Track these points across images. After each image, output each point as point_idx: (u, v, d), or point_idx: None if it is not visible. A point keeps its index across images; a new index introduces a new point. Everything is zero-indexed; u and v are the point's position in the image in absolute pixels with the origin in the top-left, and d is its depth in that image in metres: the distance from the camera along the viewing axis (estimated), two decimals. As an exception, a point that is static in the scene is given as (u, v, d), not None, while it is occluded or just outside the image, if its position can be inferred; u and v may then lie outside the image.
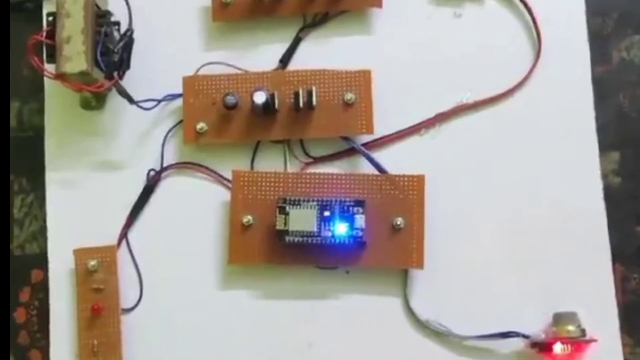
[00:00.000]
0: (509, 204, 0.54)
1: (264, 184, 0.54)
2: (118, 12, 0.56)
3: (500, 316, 0.52)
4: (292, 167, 0.56)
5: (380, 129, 0.55)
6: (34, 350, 0.56)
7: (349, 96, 0.54)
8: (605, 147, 0.55)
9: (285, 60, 0.57)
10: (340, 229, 0.52)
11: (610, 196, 0.54)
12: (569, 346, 0.50)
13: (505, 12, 0.57)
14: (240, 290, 0.55)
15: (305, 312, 0.55)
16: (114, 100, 0.57)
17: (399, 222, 0.53)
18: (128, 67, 0.55)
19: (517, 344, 0.52)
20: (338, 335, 0.54)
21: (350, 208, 0.52)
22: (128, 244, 0.56)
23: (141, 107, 0.55)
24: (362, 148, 0.55)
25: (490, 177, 0.55)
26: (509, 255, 0.54)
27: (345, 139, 0.55)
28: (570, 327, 0.51)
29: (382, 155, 0.55)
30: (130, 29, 0.55)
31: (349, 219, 0.52)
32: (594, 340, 0.50)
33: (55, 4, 0.54)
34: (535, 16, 0.56)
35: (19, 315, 0.56)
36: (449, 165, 0.55)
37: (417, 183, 0.53)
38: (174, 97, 0.56)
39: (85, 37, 0.53)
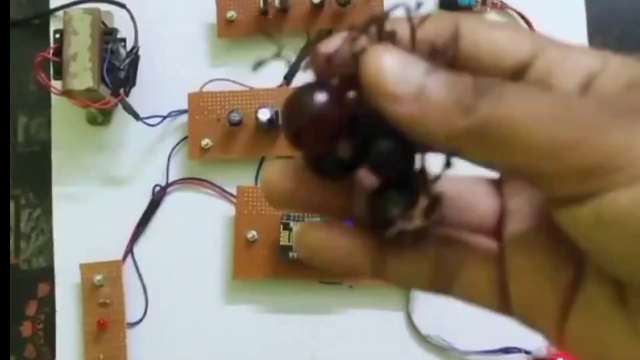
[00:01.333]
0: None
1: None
2: (124, 29, 0.57)
3: (502, 331, 0.52)
4: (296, 183, 0.56)
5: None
6: (40, 364, 0.57)
7: (353, 113, 0.55)
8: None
9: (289, 77, 0.57)
10: (344, 245, 0.52)
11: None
12: (570, 362, 0.51)
13: (507, 30, 0.57)
14: (244, 305, 0.56)
15: (309, 326, 0.55)
16: (120, 116, 0.57)
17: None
18: (134, 83, 0.56)
19: (519, 359, 0.53)
20: (341, 350, 0.55)
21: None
22: (134, 258, 0.56)
23: (147, 123, 0.56)
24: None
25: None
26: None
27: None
28: (572, 344, 0.51)
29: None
30: (136, 46, 0.56)
31: (352, 235, 0.52)
32: (595, 357, 0.51)
33: (62, 21, 0.54)
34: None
35: (25, 329, 0.57)
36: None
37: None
38: (179, 113, 0.57)
39: (92, 54, 0.54)
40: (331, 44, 0.20)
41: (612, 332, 0.18)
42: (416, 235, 0.20)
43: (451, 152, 0.18)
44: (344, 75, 0.19)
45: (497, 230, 0.22)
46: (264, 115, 0.54)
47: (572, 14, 0.57)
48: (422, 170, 0.20)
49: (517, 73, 0.20)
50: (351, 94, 0.19)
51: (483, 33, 0.20)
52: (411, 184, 0.20)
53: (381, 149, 0.19)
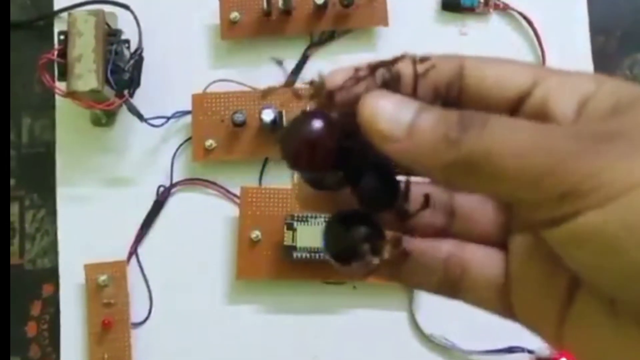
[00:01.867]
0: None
1: (272, 200, 0.55)
2: (128, 31, 0.57)
3: (506, 331, 0.52)
4: (300, 184, 0.56)
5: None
6: (44, 364, 0.57)
7: (356, 114, 0.55)
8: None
9: (292, 78, 0.58)
10: (347, 245, 0.52)
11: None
12: (573, 362, 0.51)
13: (510, 31, 0.57)
14: (248, 305, 0.56)
15: (312, 326, 0.55)
16: (124, 117, 0.57)
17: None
18: (138, 85, 0.56)
19: (522, 359, 0.53)
20: (344, 350, 0.55)
21: (357, 224, 0.53)
22: (138, 259, 0.56)
23: (151, 124, 0.56)
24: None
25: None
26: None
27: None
28: (575, 343, 0.51)
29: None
30: (140, 48, 0.56)
31: (356, 235, 0.52)
32: (598, 356, 0.51)
33: (67, 22, 0.55)
34: (539, 35, 0.56)
35: (30, 329, 0.57)
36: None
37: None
38: (183, 114, 0.57)
39: (96, 55, 0.54)
40: (336, 79, 0.21)
41: (603, 340, 0.19)
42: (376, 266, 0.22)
43: (445, 182, 0.20)
44: (344, 110, 0.21)
45: (503, 241, 0.24)
46: (268, 116, 0.54)
47: (574, 15, 0.57)
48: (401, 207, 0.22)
49: (519, 101, 0.21)
50: (346, 126, 0.21)
51: (487, 68, 0.21)
52: (377, 222, 0.22)
53: (369, 184, 0.22)
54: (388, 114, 0.20)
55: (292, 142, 0.21)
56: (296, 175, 0.23)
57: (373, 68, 0.21)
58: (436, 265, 0.24)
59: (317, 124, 0.20)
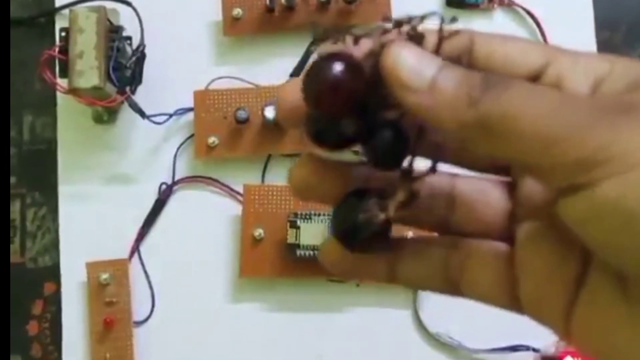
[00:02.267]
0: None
1: (275, 197, 0.55)
2: (130, 27, 0.56)
3: (510, 329, 0.52)
4: (303, 181, 0.56)
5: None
6: (46, 363, 0.57)
7: (359, 110, 0.55)
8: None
9: (296, 74, 0.57)
10: (351, 242, 0.52)
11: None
12: (579, 360, 0.51)
13: (514, 26, 0.57)
14: (251, 303, 0.55)
15: (316, 324, 0.55)
16: (126, 114, 0.57)
17: (409, 236, 0.53)
18: (140, 81, 0.56)
19: (527, 357, 0.53)
20: (348, 348, 0.55)
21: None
22: (140, 257, 0.56)
23: (153, 122, 0.56)
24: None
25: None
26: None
27: (355, 152, 0.55)
28: (580, 341, 0.51)
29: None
30: (142, 44, 0.56)
31: (360, 233, 0.52)
32: (604, 354, 0.51)
33: (68, 19, 0.54)
34: (544, 30, 0.56)
35: (31, 328, 0.57)
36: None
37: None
38: (185, 111, 0.57)
39: (98, 52, 0.53)
40: (361, 31, 0.21)
41: (614, 321, 0.19)
42: (385, 229, 0.22)
43: (460, 142, 0.20)
44: (368, 60, 0.21)
45: (507, 230, 0.23)
46: (271, 112, 0.54)
47: (579, 10, 0.57)
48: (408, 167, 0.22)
49: (531, 80, 0.21)
50: (368, 74, 0.21)
51: (496, 45, 0.21)
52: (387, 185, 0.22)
53: (384, 138, 0.21)
54: (411, 64, 0.20)
55: (314, 82, 0.20)
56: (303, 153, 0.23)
57: (399, 23, 0.21)
58: (435, 259, 0.23)
59: (341, 65, 0.20)
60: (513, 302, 0.22)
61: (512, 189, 0.24)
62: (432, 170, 0.22)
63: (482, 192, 0.24)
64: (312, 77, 0.20)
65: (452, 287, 0.23)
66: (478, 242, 0.23)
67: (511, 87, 0.19)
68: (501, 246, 0.23)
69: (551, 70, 0.21)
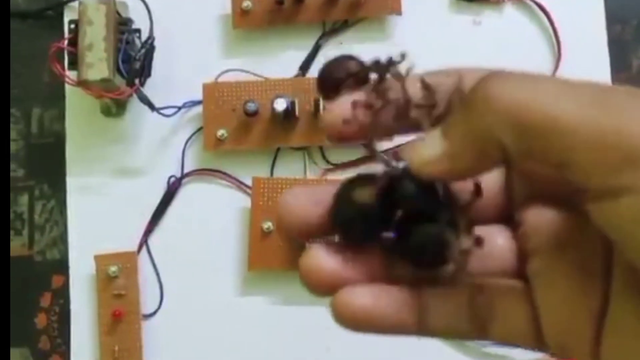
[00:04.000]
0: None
1: (284, 190, 0.54)
2: (139, 20, 0.56)
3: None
4: (312, 174, 0.56)
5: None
6: (54, 356, 0.56)
7: (369, 103, 0.55)
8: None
9: (305, 67, 0.57)
10: (361, 235, 0.52)
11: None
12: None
13: (524, 19, 0.57)
14: (259, 296, 0.55)
15: (324, 317, 0.54)
16: (135, 106, 0.57)
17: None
18: (149, 74, 0.56)
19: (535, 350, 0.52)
20: (356, 341, 0.54)
21: (371, 215, 0.52)
22: (148, 249, 0.56)
23: (162, 114, 0.55)
24: (382, 155, 0.55)
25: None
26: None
27: (365, 145, 0.55)
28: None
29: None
30: (151, 37, 0.56)
31: (369, 225, 0.52)
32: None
33: (77, 11, 0.54)
34: (554, 23, 0.56)
35: (39, 321, 0.57)
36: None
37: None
38: (194, 104, 0.57)
39: (107, 44, 0.53)
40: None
41: None
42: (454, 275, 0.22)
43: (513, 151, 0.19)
44: (389, 173, 0.22)
45: (519, 270, 0.22)
46: (280, 105, 0.53)
47: (590, 4, 0.57)
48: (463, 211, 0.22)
49: None
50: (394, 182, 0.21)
51: None
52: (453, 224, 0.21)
53: (420, 237, 0.21)
54: (428, 154, 0.20)
55: (342, 212, 0.21)
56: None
57: (364, 78, 0.22)
58: (461, 305, 0.22)
59: (365, 191, 0.21)
60: (540, 341, 0.21)
61: (515, 229, 0.23)
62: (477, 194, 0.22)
63: (492, 234, 0.23)
64: (338, 211, 0.21)
65: (480, 330, 0.22)
66: (497, 284, 0.22)
67: (542, 81, 0.18)
68: (519, 286, 0.22)
69: None
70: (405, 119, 0.22)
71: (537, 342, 0.21)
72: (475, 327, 0.22)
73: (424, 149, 0.20)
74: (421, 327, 0.23)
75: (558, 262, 0.21)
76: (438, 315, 0.22)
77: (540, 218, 0.22)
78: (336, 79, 0.22)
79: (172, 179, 0.57)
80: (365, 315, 0.22)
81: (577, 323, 0.20)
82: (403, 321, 0.23)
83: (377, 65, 0.22)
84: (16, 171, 0.58)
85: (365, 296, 0.22)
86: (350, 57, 0.23)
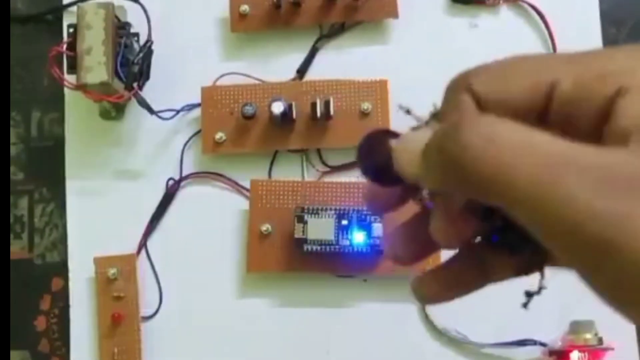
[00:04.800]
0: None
1: (282, 193, 0.55)
2: (137, 24, 0.57)
3: (517, 324, 0.53)
4: (310, 176, 0.56)
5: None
6: (54, 358, 0.56)
7: (366, 106, 0.55)
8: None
9: (302, 70, 0.58)
10: (358, 237, 0.52)
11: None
12: (586, 354, 0.50)
13: (520, 22, 0.57)
14: (258, 298, 0.56)
15: (323, 319, 0.55)
16: (133, 110, 0.57)
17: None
18: (147, 77, 0.56)
19: (534, 351, 0.53)
20: (356, 343, 0.55)
21: (368, 217, 0.52)
22: (147, 252, 0.56)
23: (160, 117, 0.56)
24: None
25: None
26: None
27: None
28: (588, 335, 0.51)
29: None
30: (149, 40, 0.56)
31: (367, 227, 0.52)
32: (611, 349, 0.51)
33: (76, 15, 0.54)
34: (550, 26, 0.56)
35: (39, 324, 0.57)
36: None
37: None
38: (192, 107, 0.57)
39: (106, 48, 0.54)
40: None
41: None
42: None
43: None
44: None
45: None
46: (278, 108, 0.54)
47: (585, 6, 0.57)
48: None
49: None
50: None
51: (498, 90, 0.21)
52: None
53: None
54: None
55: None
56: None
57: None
58: None
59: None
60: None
61: None
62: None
63: None
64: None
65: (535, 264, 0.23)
66: None
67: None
68: None
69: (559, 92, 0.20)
70: None
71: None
72: (532, 266, 0.23)
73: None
74: (486, 279, 0.24)
75: None
76: (499, 268, 0.24)
77: None
78: (380, 169, 0.23)
79: (171, 182, 0.57)
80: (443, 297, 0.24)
81: None
82: (473, 286, 0.24)
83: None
84: (16, 174, 0.58)
85: (439, 282, 0.24)
86: (385, 133, 0.23)
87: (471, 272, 0.24)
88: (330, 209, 0.53)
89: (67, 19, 0.59)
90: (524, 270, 0.23)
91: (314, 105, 0.54)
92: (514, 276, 0.24)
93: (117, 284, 0.55)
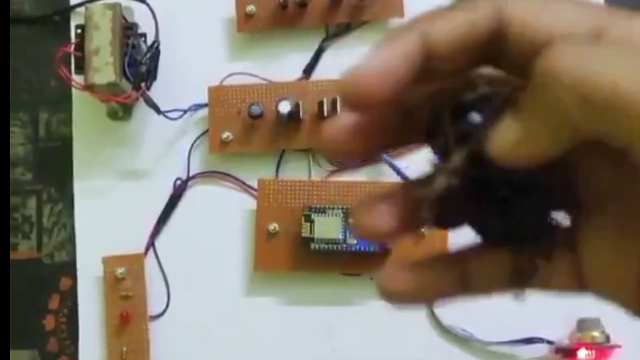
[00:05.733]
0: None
1: (289, 192, 0.55)
2: (145, 24, 0.57)
3: (524, 322, 0.53)
4: (317, 175, 0.56)
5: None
6: (63, 357, 0.57)
7: (372, 105, 0.55)
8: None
9: (308, 70, 0.58)
10: (365, 236, 0.52)
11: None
12: (593, 352, 0.51)
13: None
14: (265, 297, 0.56)
15: (330, 317, 0.55)
16: (141, 110, 0.58)
17: (423, 229, 0.53)
18: (155, 78, 0.56)
19: (541, 349, 0.53)
20: (362, 341, 0.55)
21: (375, 215, 0.52)
22: (155, 251, 0.57)
23: (167, 117, 0.56)
24: (385, 155, 0.55)
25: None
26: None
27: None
28: (595, 333, 0.51)
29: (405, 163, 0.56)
30: (156, 41, 0.56)
31: (374, 226, 0.52)
32: (618, 346, 0.51)
33: (84, 16, 0.55)
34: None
35: (48, 323, 0.57)
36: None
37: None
38: (199, 107, 0.57)
39: (113, 48, 0.54)
40: None
41: None
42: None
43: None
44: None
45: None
46: (284, 107, 0.54)
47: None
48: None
49: None
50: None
51: (534, 23, 0.19)
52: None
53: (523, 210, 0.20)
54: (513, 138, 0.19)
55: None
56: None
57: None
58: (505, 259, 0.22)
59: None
60: (581, 287, 0.22)
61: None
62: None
63: None
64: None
65: (521, 283, 0.22)
66: None
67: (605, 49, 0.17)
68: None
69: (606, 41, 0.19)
70: None
71: (580, 289, 0.22)
72: (516, 281, 0.22)
73: (503, 136, 0.19)
74: (465, 291, 0.23)
75: (605, 214, 0.21)
76: (480, 278, 0.22)
77: (591, 170, 0.21)
78: None
79: (178, 182, 0.57)
80: (409, 292, 0.22)
81: (621, 269, 0.20)
82: (447, 292, 0.23)
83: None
84: (24, 175, 0.59)
85: (410, 279, 0.22)
86: None
87: (450, 275, 0.22)
88: (337, 208, 0.53)
89: (75, 20, 0.59)
90: (521, 267, 0.22)
91: (320, 104, 0.55)
92: (502, 285, 0.22)
93: (125, 283, 0.56)
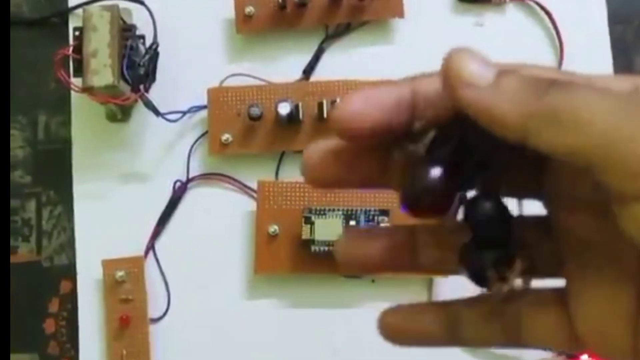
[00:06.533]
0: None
1: (289, 194, 0.55)
2: (143, 26, 0.57)
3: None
4: (317, 177, 0.56)
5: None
6: (63, 361, 0.57)
7: (373, 106, 0.55)
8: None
9: (308, 71, 0.57)
10: (366, 238, 0.52)
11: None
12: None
13: (527, 21, 0.57)
14: (266, 300, 0.56)
15: (331, 320, 0.55)
16: (140, 112, 0.57)
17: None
18: (153, 80, 0.56)
19: (544, 351, 0.52)
20: (363, 344, 0.54)
21: (376, 217, 0.52)
22: (155, 254, 0.56)
23: (167, 119, 0.56)
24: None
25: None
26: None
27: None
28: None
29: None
30: (155, 42, 0.56)
31: (375, 228, 0.52)
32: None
33: (82, 18, 0.54)
34: (557, 25, 0.56)
35: (48, 326, 0.57)
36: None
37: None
38: (199, 108, 0.57)
39: (112, 50, 0.54)
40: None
41: None
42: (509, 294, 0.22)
43: (518, 135, 0.19)
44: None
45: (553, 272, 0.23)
46: (284, 109, 0.54)
47: (593, 4, 0.57)
48: (515, 235, 0.22)
49: None
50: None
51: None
52: (507, 246, 0.22)
53: (483, 210, 0.22)
54: (474, 66, 0.20)
55: (412, 191, 0.21)
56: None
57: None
58: (496, 315, 0.23)
59: (433, 170, 0.21)
60: (574, 343, 0.22)
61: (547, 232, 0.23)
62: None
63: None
64: (409, 190, 0.21)
65: (512, 338, 0.23)
66: (533, 289, 0.23)
67: (581, 88, 0.18)
68: (550, 291, 0.23)
69: None
70: None
71: (572, 345, 0.22)
72: (507, 336, 0.23)
73: (473, 70, 0.20)
74: (453, 339, 0.24)
75: (591, 264, 0.21)
76: (469, 327, 0.23)
77: (574, 221, 0.22)
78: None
79: (178, 184, 0.57)
80: (400, 332, 0.26)
81: (614, 323, 0.20)
82: (433, 336, 0.24)
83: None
84: (23, 178, 0.59)
85: (397, 315, 0.25)
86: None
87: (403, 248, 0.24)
88: (338, 210, 0.53)
89: (73, 22, 0.59)
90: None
91: (320, 105, 0.54)
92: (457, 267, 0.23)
93: (125, 286, 0.55)
